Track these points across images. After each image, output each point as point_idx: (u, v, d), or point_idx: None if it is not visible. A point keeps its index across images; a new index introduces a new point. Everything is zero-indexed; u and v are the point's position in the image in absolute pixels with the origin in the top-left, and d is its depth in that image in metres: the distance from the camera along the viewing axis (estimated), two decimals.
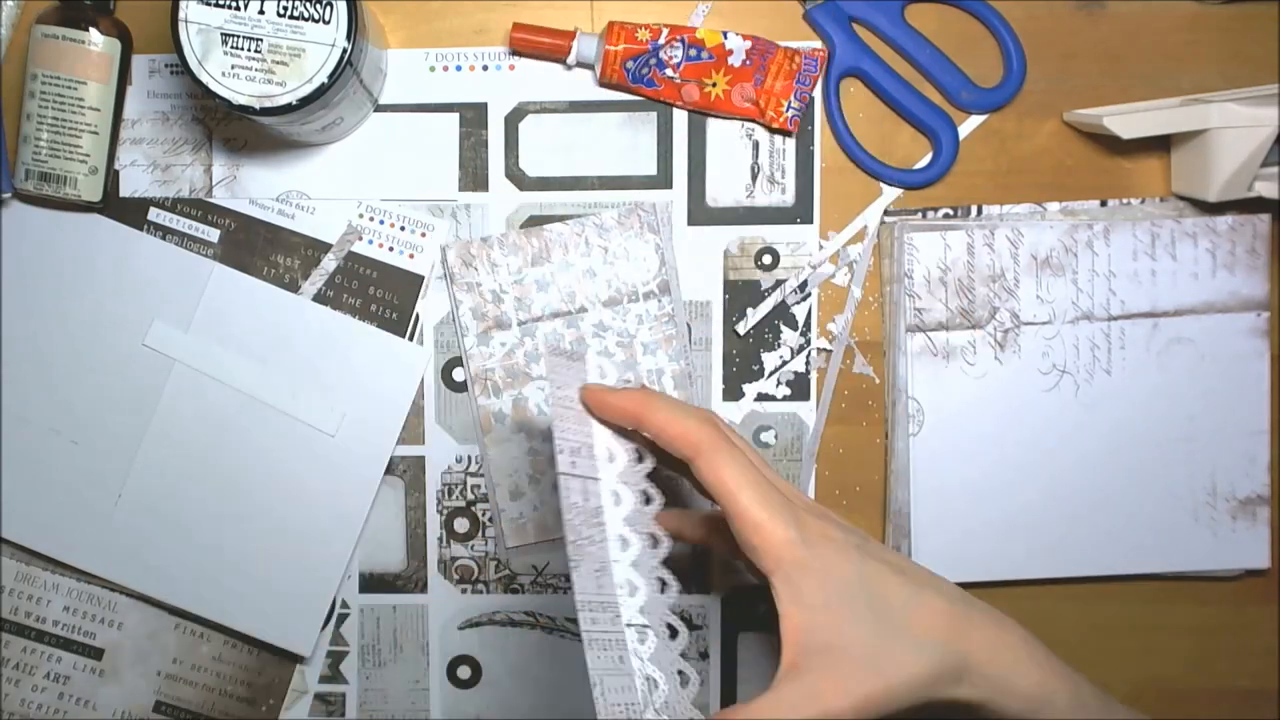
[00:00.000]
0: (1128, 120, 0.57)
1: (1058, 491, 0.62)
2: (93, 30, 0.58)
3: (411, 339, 0.62)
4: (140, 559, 0.62)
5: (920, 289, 0.60)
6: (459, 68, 0.61)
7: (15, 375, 0.61)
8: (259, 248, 0.62)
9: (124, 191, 0.62)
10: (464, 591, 0.64)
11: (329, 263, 0.61)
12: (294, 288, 0.62)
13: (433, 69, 0.61)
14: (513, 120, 0.62)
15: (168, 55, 0.61)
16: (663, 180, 0.62)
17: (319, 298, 0.62)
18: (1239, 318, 0.61)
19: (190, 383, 0.61)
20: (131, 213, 0.62)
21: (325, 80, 0.52)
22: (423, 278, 0.62)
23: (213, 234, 0.62)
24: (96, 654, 0.63)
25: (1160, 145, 0.61)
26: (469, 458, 0.63)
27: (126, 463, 0.61)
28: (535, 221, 0.62)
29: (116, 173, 0.61)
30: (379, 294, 0.62)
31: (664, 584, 0.47)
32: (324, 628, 0.63)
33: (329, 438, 0.62)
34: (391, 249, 0.62)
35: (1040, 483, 0.62)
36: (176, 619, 0.63)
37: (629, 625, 0.47)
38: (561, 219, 0.62)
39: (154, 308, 0.61)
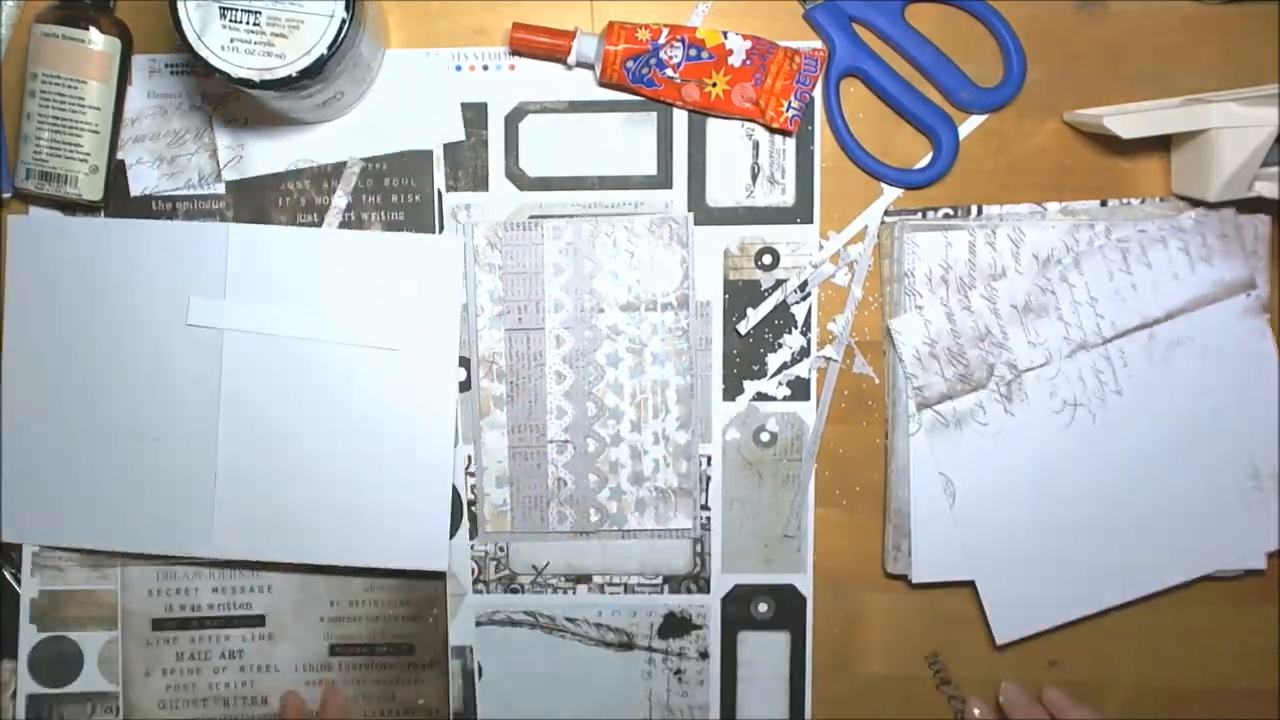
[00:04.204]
0: (1128, 120, 0.57)
1: (1103, 518, 0.62)
2: (93, 29, 0.57)
3: (439, 220, 0.62)
4: (254, 531, 0.62)
5: (914, 367, 0.61)
6: (459, 68, 0.61)
7: (81, 393, 0.62)
8: (268, 195, 0.62)
9: (134, 190, 0.62)
10: None
11: (340, 199, 0.61)
12: (317, 223, 0.62)
13: (433, 69, 0.61)
14: (513, 120, 0.62)
15: (168, 55, 0.61)
16: (663, 180, 0.62)
17: (342, 222, 0.62)
18: (1230, 303, 0.61)
19: (245, 346, 0.61)
20: (143, 208, 0.62)
21: (325, 52, 0.52)
22: (431, 151, 0.62)
23: (219, 187, 0.62)
24: (259, 621, 0.64)
25: (1160, 145, 0.61)
26: (468, 457, 0.63)
27: (212, 443, 0.62)
28: (535, 221, 0.62)
29: (125, 173, 0.61)
30: (395, 183, 0.62)
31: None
32: (453, 535, 0.63)
33: (394, 353, 0.61)
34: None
35: (1084, 516, 0.62)
36: (304, 677, 0.64)
37: (551, 440, 0.61)
38: (563, 219, 0.62)
39: (185, 286, 0.61)
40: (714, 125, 0.62)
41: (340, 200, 0.61)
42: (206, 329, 0.61)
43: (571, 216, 0.62)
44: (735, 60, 0.59)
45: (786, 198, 0.62)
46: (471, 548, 0.64)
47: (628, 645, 0.64)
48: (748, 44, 0.59)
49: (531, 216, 0.62)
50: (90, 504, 0.62)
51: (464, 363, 0.62)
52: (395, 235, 0.62)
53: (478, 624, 0.64)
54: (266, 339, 0.61)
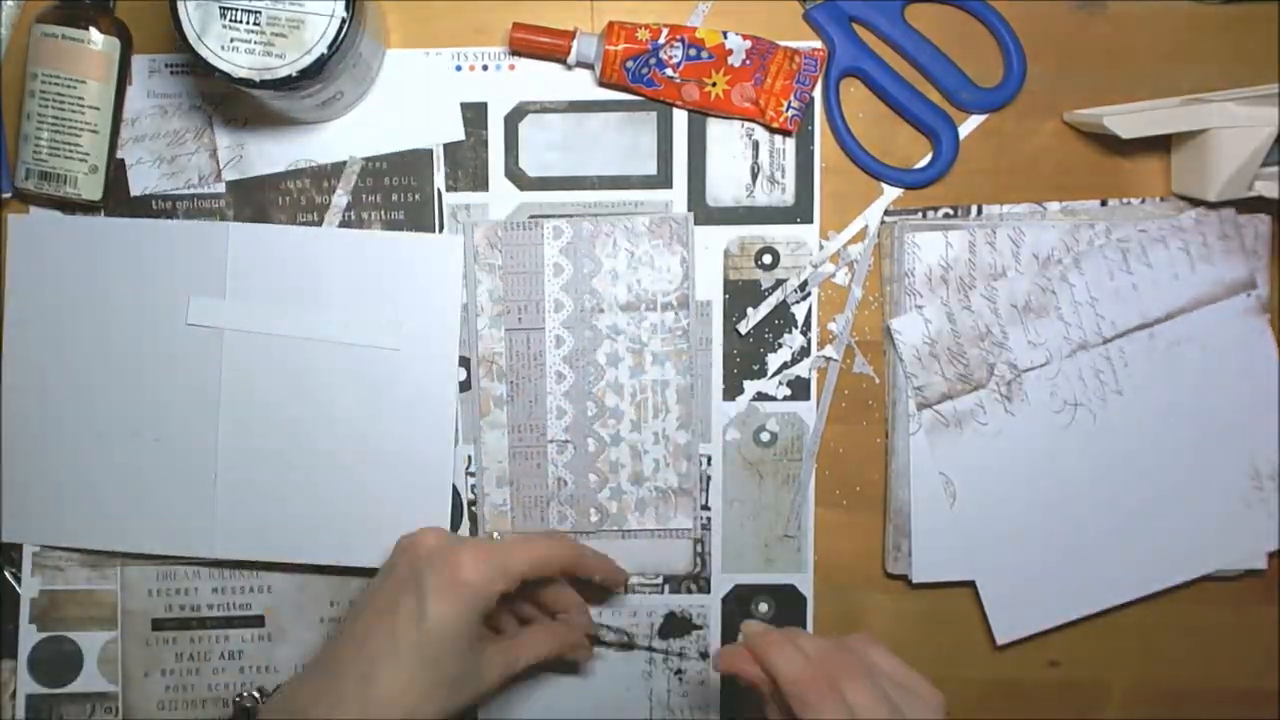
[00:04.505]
0: (1128, 120, 0.57)
1: (1103, 518, 0.62)
2: (92, 29, 0.57)
3: (439, 219, 0.62)
4: (256, 530, 0.62)
5: (913, 366, 0.61)
6: (459, 68, 0.61)
7: (80, 393, 0.61)
8: (268, 195, 0.62)
9: (134, 190, 0.62)
10: None
11: (340, 198, 0.61)
12: (317, 222, 0.62)
13: (433, 69, 0.61)
14: (513, 120, 0.62)
15: (168, 55, 0.61)
16: (663, 180, 0.62)
17: (342, 222, 0.62)
18: (1230, 303, 0.61)
19: (245, 345, 0.61)
20: (143, 208, 0.62)
21: (325, 51, 0.52)
22: (431, 151, 0.62)
23: (219, 187, 0.62)
24: (259, 621, 0.64)
25: (1160, 145, 0.61)
26: (468, 457, 0.63)
27: (212, 442, 0.61)
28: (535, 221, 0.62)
29: (125, 172, 0.61)
30: (395, 182, 0.62)
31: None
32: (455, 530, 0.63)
33: (394, 352, 0.61)
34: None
35: (1084, 516, 0.62)
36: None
37: (551, 440, 0.61)
38: (563, 219, 0.62)
39: (185, 285, 0.61)
40: (714, 125, 0.62)
41: (340, 199, 0.61)
42: (206, 328, 0.61)
43: (571, 216, 0.62)
44: (735, 60, 0.59)
45: (786, 197, 0.62)
46: None
47: (628, 645, 0.64)
48: (748, 44, 0.59)
49: (531, 216, 0.62)
50: (90, 504, 0.62)
51: (464, 363, 0.62)
52: (395, 234, 0.62)
53: None
54: (266, 338, 0.61)
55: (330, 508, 0.62)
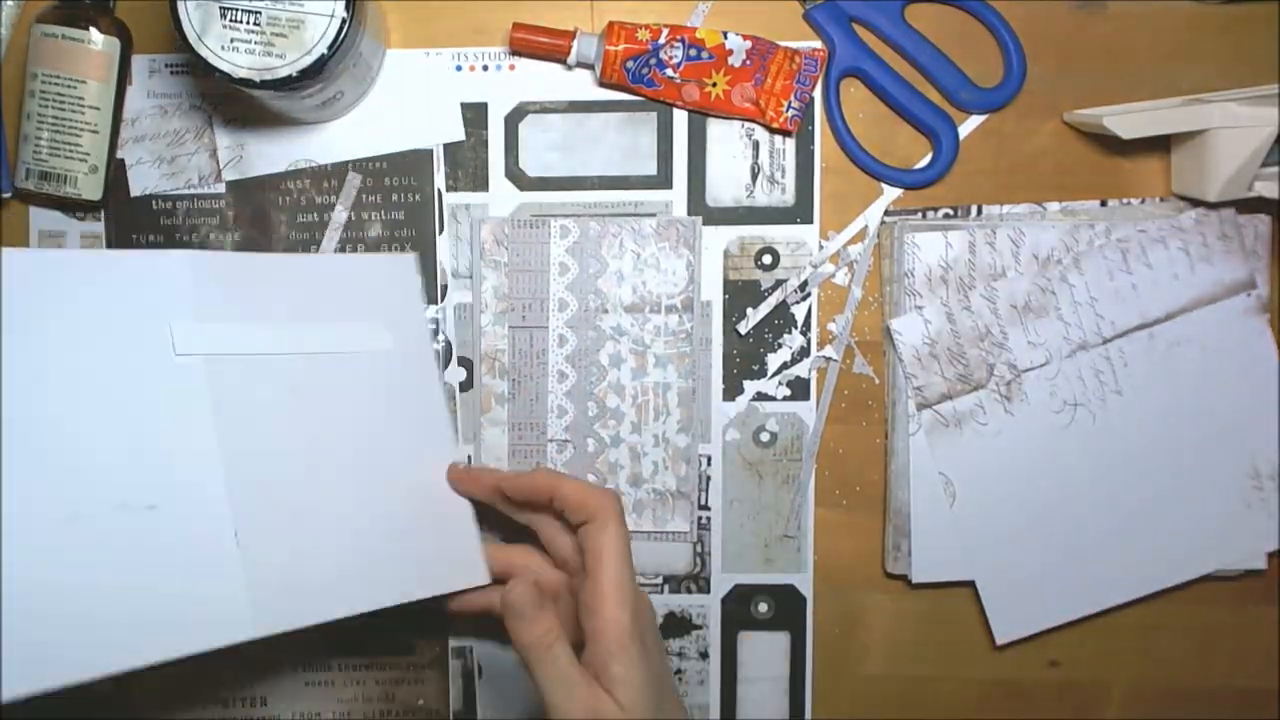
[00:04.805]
0: (1128, 120, 0.57)
1: (1103, 519, 0.62)
2: (92, 29, 0.58)
3: (439, 219, 0.62)
4: (289, 585, 0.51)
5: (913, 367, 0.60)
6: (459, 68, 0.61)
7: (45, 466, 0.46)
8: (268, 195, 0.62)
9: (134, 190, 0.62)
10: None
11: (340, 214, 0.61)
12: (317, 223, 0.62)
13: (433, 69, 0.61)
14: (513, 120, 0.62)
15: (168, 55, 0.61)
16: (663, 180, 0.62)
17: (342, 237, 0.62)
18: (1230, 303, 0.61)
19: (231, 373, 0.52)
20: (143, 208, 0.62)
21: (325, 51, 0.52)
22: (431, 151, 0.62)
23: (219, 187, 0.62)
24: None
25: (1160, 145, 0.61)
26: (468, 456, 0.63)
27: (220, 490, 0.50)
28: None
29: (125, 172, 0.61)
30: (395, 182, 0.62)
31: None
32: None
33: (378, 370, 0.57)
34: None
35: (1084, 516, 0.62)
36: (304, 677, 0.63)
37: (551, 439, 0.61)
38: (570, 218, 0.62)
39: (162, 316, 0.52)
40: (714, 125, 0.62)
41: (340, 215, 0.61)
42: (183, 376, 0.51)
43: (578, 216, 0.62)
44: (735, 60, 0.59)
45: (786, 198, 0.62)
46: None
47: None
48: (748, 44, 0.59)
49: (533, 216, 0.62)
50: (71, 619, 0.45)
51: (465, 361, 0.62)
52: (351, 257, 0.61)
53: (478, 624, 0.64)
54: (255, 365, 0.53)
55: (358, 541, 0.54)
